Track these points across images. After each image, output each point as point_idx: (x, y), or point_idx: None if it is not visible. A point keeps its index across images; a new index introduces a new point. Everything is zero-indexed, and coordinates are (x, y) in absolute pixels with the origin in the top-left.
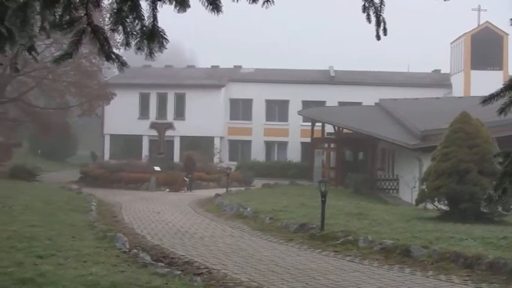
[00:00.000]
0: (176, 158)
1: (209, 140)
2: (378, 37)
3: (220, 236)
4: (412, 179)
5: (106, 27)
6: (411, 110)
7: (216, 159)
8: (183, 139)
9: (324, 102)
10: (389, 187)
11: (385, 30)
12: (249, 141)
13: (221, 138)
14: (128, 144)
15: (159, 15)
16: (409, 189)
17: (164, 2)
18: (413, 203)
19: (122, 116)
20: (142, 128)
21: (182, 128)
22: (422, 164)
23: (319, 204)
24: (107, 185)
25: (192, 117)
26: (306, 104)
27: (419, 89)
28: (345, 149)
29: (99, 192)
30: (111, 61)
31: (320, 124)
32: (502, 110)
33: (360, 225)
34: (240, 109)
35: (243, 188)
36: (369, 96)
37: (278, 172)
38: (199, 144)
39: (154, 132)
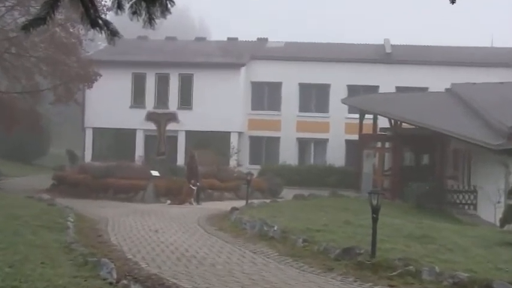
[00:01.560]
0: (180, 159)
1: (224, 137)
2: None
3: (237, 263)
4: (496, 192)
5: None
6: (495, 98)
7: (233, 162)
8: (190, 135)
9: (377, 87)
10: (463, 201)
11: None
12: (277, 139)
13: (240, 134)
14: (117, 141)
15: None
16: (491, 204)
17: None
18: (497, 223)
19: (109, 103)
20: (136, 120)
21: (189, 121)
22: (510, 172)
23: (369, 222)
24: (89, 195)
25: (201, 106)
26: (353, 89)
27: (506, 70)
28: (404, 149)
29: (79, 204)
30: (97, 29)
31: (371, 116)
32: None
33: (423, 252)
34: (265, 96)
35: (268, 200)
36: (437, 80)
37: (315, 179)
38: (210, 142)
39: (152, 126)
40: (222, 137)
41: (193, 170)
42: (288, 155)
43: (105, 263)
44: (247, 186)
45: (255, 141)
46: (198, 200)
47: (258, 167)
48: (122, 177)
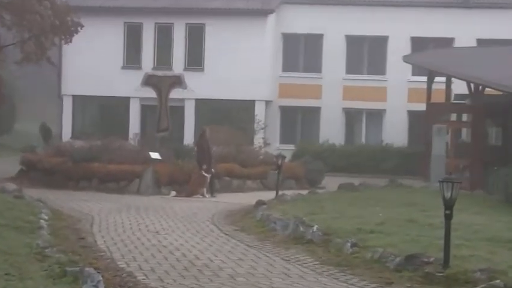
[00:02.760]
0: (188, 137)
1: (246, 107)
2: None
3: (264, 275)
4: None
5: None
6: None
7: (258, 141)
8: (201, 105)
9: (452, 40)
10: None
11: None
12: (317, 110)
13: (267, 103)
14: (104, 113)
15: None
16: None
17: None
18: None
19: (93, 64)
20: (130, 86)
21: (199, 86)
22: None
23: (441, 220)
24: (67, 185)
25: (216, 67)
26: (418, 43)
27: None
28: (488, 124)
29: (55, 196)
30: None
31: (443, 80)
32: None
33: None
34: (301, 52)
35: (304, 192)
36: None
37: (367, 164)
38: (228, 115)
39: (150, 93)
40: (244, 108)
41: (206, 152)
42: (332, 131)
43: (89, 274)
44: (278, 173)
45: (287, 112)
46: (212, 192)
47: (291, 147)
48: (111, 161)
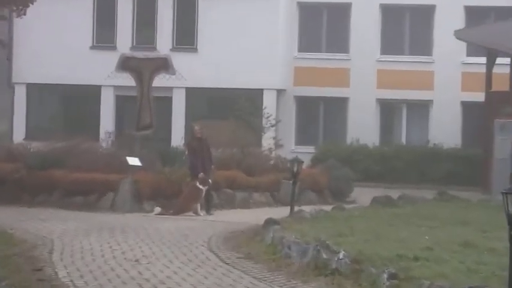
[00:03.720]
0: (178, 137)
1: (253, 98)
2: None
3: None
4: None
5: None
6: None
7: (268, 141)
8: (194, 95)
9: None
10: None
11: None
12: (343, 101)
13: (280, 92)
14: (68, 106)
15: None
16: None
17: None
18: None
19: (54, 42)
20: (102, 70)
21: (192, 71)
22: None
23: (505, 245)
24: (21, 199)
25: (213, 47)
26: (476, 14)
27: None
28: None
29: (4, 214)
30: None
31: (507, 61)
32: None
33: None
34: (323, 27)
35: (328, 207)
36: None
37: (409, 170)
38: (230, 108)
39: (128, 80)
40: (249, 99)
41: (200, 156)
42: (363, 128)
43: None
44: (293, 183)
45: (305, 105)
46: (208, 208)
47: (310, 149)
48: (78, 168)
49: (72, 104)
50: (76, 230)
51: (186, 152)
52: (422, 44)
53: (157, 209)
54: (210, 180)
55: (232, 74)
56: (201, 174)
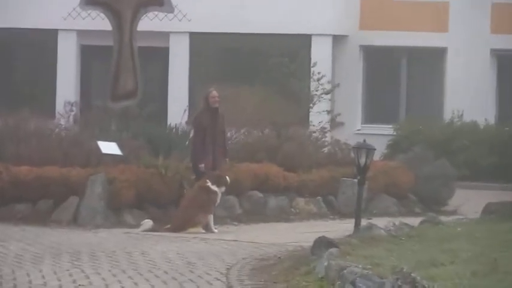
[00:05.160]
0: (177, 111)
1: (294, 49)
2: None
3: None
4: None
5: None
6: None
7: (319, 117)
8: (202, 44)
9: None
10: None
11: None
12: (439, 53)
13: (336, 39)
14: (7, 63)
15: None
16: None
17: None
18: None
19: None
20: (58, 9)
21: (199, 8)
22: None
23: None
24: None
25: None
26: None
27: None
28: None
29: None
30: None
31: None
32: None
33: None
34: None
35: (415, 220)
36: None
37: None
38: (258, 65)
39: (99, 23)
40: (290, 51)
41: (210, 139)
42: (469, 96)
43: None
44: (359, 183)
45: (378, 59)
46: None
47: (386, 129)
48: (22, 159)
49: (13, 59)
50: (21, 254)
51: (192, 132)
52: None
53: (147, 223)
54: (227, 178)
55: (261, 12)
56: (216, 172)
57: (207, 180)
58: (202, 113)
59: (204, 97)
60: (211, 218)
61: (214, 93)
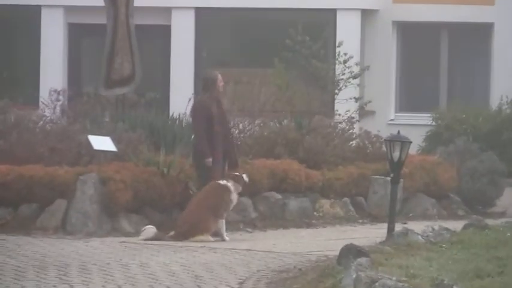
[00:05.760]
0: (179, 99)
1: (318, 24)
2: None
3: None
4: None
5: None
6: None
7: (344, 105)
8: (210, 21)
9: None
10: None
11: None
12: (485, 29)
13: (365, 14)
14: None
15: None
16: None
17: None
18: None
19: None
20: None
21: None
22: None
23: None
24: None
25: None
26: None
27: None
28: None
29: None
30: None
31: None
32: None
33: None
34: None
35: (458, 223)
36: None
37: None
38: (274, 44)
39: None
40: (311, 29)
41: (220, 130)
42: None
43: None
44: (393, 181)
45: (414, 36)
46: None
47: (424, 118)
48: (2, 156)
49: None
50: (0, 268)
51: (193, 125)
52: None
53: (149, 231)
54: (245, 177)
55: None
56: (233, 174)
57: (223, 179)
58: (208, 99)
59: (212, 80)
60: (222, 224)
61: (220, 78)
